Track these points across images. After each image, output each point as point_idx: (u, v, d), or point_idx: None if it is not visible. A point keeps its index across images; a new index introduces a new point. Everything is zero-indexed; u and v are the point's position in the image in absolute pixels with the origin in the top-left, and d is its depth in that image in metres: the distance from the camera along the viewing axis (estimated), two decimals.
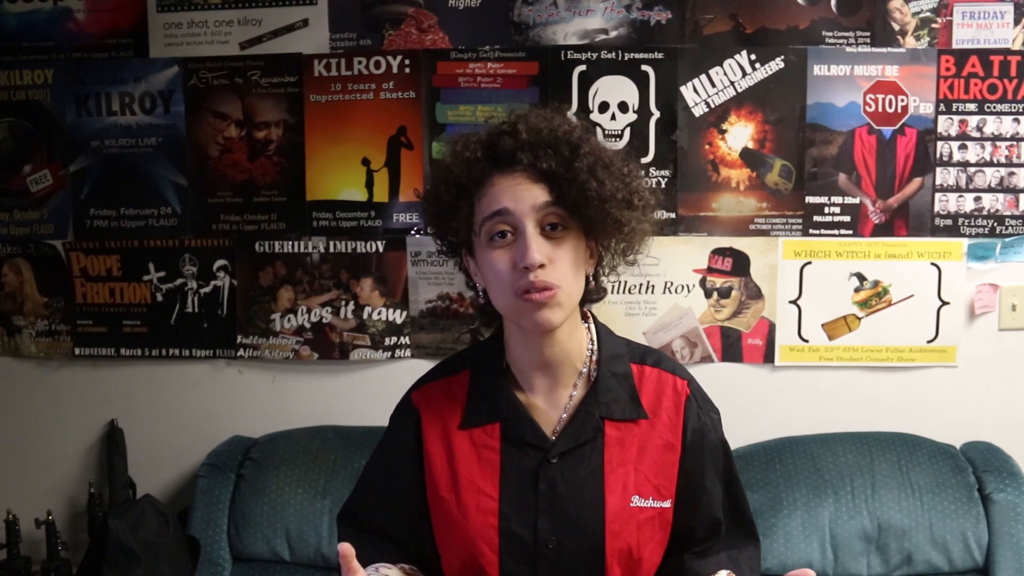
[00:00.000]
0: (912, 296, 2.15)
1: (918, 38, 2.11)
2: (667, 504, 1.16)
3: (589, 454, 1.14)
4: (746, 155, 2.16)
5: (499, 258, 1.09)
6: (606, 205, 1.09)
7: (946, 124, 2.12)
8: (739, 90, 2.13)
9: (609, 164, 1.12)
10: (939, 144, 2.13)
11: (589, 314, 1.23)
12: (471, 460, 1.16)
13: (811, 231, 2.16)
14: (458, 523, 1.15)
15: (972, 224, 2.14)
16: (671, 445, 1.16)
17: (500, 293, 1.11)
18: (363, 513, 1.25)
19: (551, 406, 1.17)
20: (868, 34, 2.11)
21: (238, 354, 2.29)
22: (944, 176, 2.14)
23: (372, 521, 1.23)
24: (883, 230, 2.15)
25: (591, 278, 1.18)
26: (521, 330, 1.14)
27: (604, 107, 2.16)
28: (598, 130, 2.13)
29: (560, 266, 1.09)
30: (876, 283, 2.16)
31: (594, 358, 1.19)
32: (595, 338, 1.21)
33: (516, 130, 1.10)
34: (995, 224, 2.14)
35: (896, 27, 2.11)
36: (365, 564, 1.10)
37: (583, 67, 2.15)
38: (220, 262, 2.28)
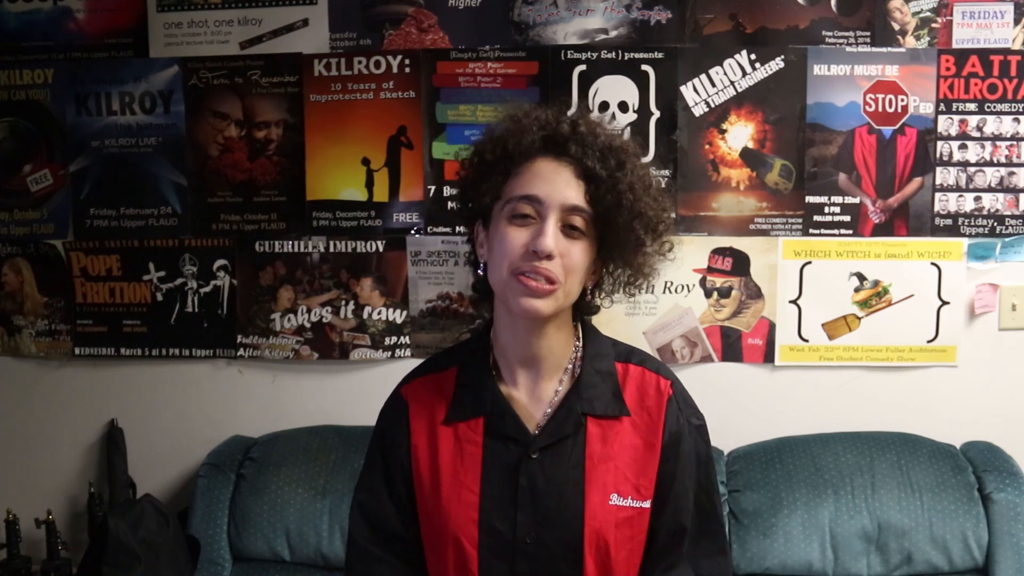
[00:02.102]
0: (912, 296, 2.15)
1: (918, 38, 2.11)
2: (647, 504, 1.16)
3: (570, 450, 1.15)
4: (746, 155, 2.15)
5: (513, 235, 1.11)
6: (635, 221, 1.13)
7: (946, 124, 2.12)
8: (739, 90, 2.13)
9: (649, 186, 1.16)
10: (939, 144, 2.13)
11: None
12: (454, 454, 1.17)
13: (811, 231, 2.15)
14: (439, 516, 1.16)
15: (972, 224, 2.14)
16: (652, 445, 1.17)
17: (500, 267, 1.12)
18: (370, 505, 1.24)
19: (534, 401, 1.19)
20: (868, 34, 2.11)
21: (238, 354, 2.29)
22: (944, 176, 2.13)
23: (380, 513, 1.22)
24: (883, 230, 2.15)
25: (587, 292, 1.20)
26: (509, 313, 1.15)
27: (604, 107, 2.16)
28: None
29: (568, 263, 1.11)
30: (876, 283, 2.16)
31: (579, 355, 1.21)
32: (581, 336, 1.23)
33: (576, 123, 1.15)
34: (995, 224, 2.14)
35: (896, 27, 2.11)
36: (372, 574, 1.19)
37: (583, 67, 2.15)
38: (220, 262, 2.28)
